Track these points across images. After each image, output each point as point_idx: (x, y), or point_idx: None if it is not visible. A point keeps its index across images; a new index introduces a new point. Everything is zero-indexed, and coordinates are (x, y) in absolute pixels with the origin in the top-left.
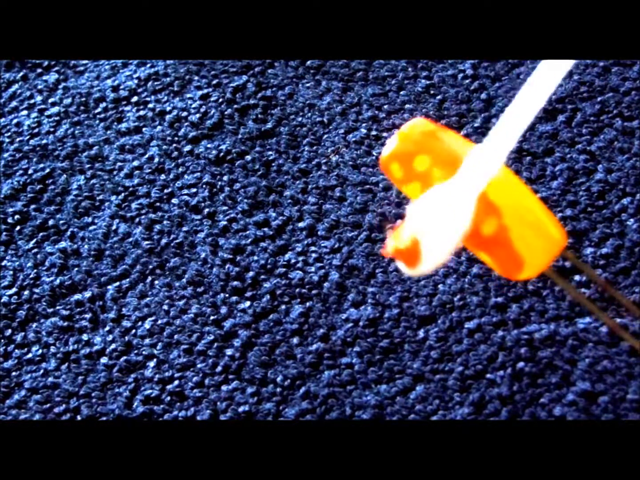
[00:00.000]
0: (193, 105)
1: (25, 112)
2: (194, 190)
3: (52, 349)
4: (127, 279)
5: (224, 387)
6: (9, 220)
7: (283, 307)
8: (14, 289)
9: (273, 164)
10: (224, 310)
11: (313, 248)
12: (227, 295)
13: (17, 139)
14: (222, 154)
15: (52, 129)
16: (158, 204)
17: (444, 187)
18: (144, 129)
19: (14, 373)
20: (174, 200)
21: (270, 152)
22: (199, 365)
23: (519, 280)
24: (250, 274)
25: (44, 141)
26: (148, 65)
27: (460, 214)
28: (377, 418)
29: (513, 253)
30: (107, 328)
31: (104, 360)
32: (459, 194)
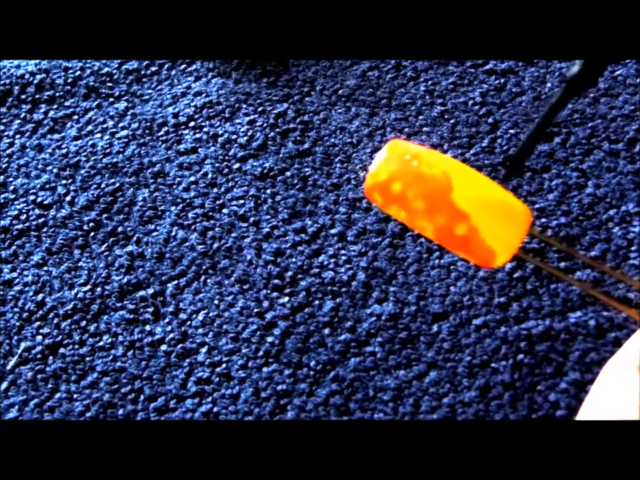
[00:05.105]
0: (241, 129)
1: (99, 135)
2: (242, 201)
3: (120, 338)
4: (184, 278)
5: (264, 369)
6: (85, 227)
7: (316, 302)
8: (88, 286)
9: (309, 179)
10: (266, 304)
11: (343, 252)
12: (268, 291)
13: (92, 158)
14: (265, 170)
15: (121, 149)
16: (211, 213)
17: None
18: (199, 149)
19: (87, 358)
20: (225, 210)
21: (307, 169)
22: (243, 351)
23: (496, 267)
24: (289, 273)
25: (115, 160)
26: (203, 95)
27: None
28: (376, 419)
29: (485, 247)
30: (167, 320)
31: (163, 347)
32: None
